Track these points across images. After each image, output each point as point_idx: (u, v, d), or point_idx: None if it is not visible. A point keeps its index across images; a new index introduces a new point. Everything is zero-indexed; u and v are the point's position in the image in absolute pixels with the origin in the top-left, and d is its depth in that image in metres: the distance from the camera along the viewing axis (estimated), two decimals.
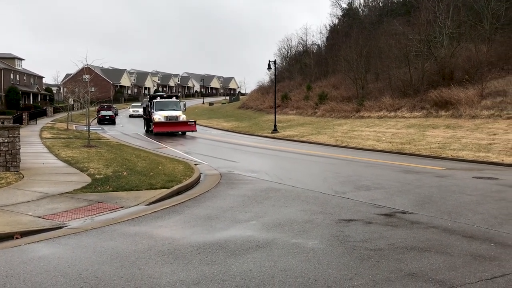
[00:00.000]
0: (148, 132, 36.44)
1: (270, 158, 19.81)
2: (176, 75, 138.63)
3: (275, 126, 37.09)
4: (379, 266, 5.67)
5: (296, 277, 5.27)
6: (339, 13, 67.28)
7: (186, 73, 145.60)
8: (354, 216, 8.42)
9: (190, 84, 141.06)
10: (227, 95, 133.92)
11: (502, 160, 17.54)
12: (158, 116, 33.84)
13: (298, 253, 6.16)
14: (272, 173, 14.31)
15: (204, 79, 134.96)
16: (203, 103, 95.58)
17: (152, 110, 34.98)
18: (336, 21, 68.09)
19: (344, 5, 66.56)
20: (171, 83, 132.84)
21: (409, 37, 38.10)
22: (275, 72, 42.18)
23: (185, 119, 34.71)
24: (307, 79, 58.50)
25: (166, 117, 33.75)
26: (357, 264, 5.76)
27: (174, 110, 34.95)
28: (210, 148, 24.60)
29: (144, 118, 40.66)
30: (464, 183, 12.32)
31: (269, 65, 38.54)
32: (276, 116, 39.07)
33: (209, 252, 6.19)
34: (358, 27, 52.48)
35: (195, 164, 15.90)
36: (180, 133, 34.58)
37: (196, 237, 7.01)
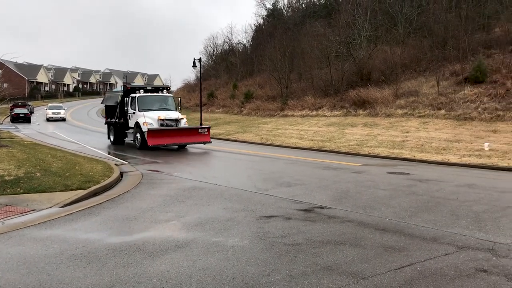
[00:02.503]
0: (120, 143, 24.00)
1: (195, 157, 19.63)
2: (97, 72, 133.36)
3: (201, 124, 36.81)
4: (296, 261, 5.79)
5: (214, 276, 5.24)
6: (264, 13, 68.17)
7: (108, 69, 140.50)
8: (275, 213, 8.55)
9: (112, 81, 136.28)
10: None
11: (414, 156, 18.65)
12: (149, 119, 21.09)
13: (217, 252, 6.13)
14: (196, 172, 14.18)
15: (128, 76, 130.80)
16: None
17: (134, 110, 22.13)
18: (261, 21, 68.87)
19: (269, 5, 67.52)
20: (92, 80, 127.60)
21: (330, 39, 39.44)
22: (200, 70, 41.83)
23: (186, 124, 22.69)
24: (233, 78, 58.67)
25: (162, 120, 21.24)
26: (275, 259, 5.84)
27: (168, 109, 22.56)
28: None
29: (111, 123, 25.04)
30: (379, 178, 12.95)
31: (194, 62, 38.16)
32: (203, 115, 38.79)
33: (126, 254, 5.99)
34: (282, 27, 53.45)
35: (116, 164, 15.36)
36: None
37: (112, 239, 6.76)
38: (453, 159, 17.53)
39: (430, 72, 32.38)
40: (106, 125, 26.22)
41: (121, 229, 7.38)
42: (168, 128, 20.91)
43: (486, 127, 22.07)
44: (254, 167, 15.90)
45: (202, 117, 38.42)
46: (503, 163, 15.66)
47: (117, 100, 24.10)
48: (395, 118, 27.89)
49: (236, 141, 28.53)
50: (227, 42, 73.46)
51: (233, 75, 60.13)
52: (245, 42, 70.85)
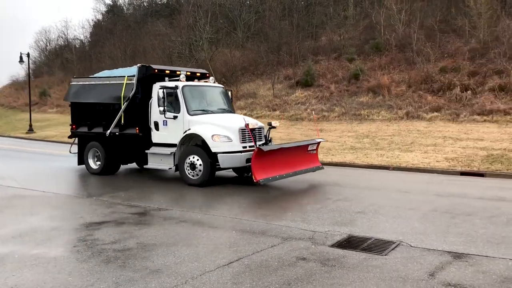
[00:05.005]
0: (113, 171, 13.54)
1: (22, 162, 17.77)
2: None
3: (30, 125, 33.54)
4: (125, 267, 5.58)
5: None
6: (103, 9, 64.98)
7: None
8: (107, 218, 8.15)
9: None
10: None
11: None
12: (221, 129, 11.16)
13: (36, 265, 5.60)
14: (21, 178, 12.80)
15: None
16: None
17: (175, 112, 11.68)
18: (100, 16, 65.55)
19: (108, 1, 64.58)
20: None
21: (172, 39, 39.32)
22: (28, 66, 38.11)
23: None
24: (69, 75, 54.70)
25: (246, 131, 11.27)
26: (102, 267, 5.55)
27: (229, 111, 12.86)
28: None
29: (93, 135, 13.43)
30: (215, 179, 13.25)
31: (21, 57, 34.60)
32: (33, 115, 35.45)
33: None
34: (123, 25, 51.64)
35: None
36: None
37: None
38: None
39: (266, 75, 34.35)
40: (76, 140, 14.30)
41: None
42: (276, 148, 10.91)
43: (314, 126, 24.19)
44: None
45: (32, 117, 35.05)
46: (327, 159, 17.33)
47: (118, 92, 12.41)
48: None
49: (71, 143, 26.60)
50: (62, 37, 68.26)
51: (69, 73, 55.97)
52: (82, 38, 66.67)
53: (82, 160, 13.76)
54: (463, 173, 13.41)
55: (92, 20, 68.96)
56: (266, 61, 35.76)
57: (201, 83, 12.96)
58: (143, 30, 47.61)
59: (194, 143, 11.55)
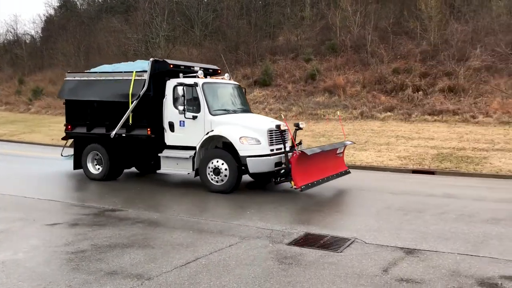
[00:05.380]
0: (116, 175, 12.23)
1: None
2: None
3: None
4: (78, 269, 5.43)
5: None
6: (56, 3, 62.84)
7: None
8: (60, 220, 7.89)
9: None
10: None
11: None
12: (249, 131, 10.27)
13: None
14: None
15: None
16: None
17: (194, 112, 10.64)
18: (52, 11, 63.32)
19: None
20: None
21: (128, 36, 38.54)
22: None
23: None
24: (19, 72, 52.60)
25: (274, 132, 10.43)
26: (54, 271, 5.38)
27: (246, 110, 11.99)
28: None
29: (94, 137, 12.06)
30: (173, 178, 13.09)
31: None
32: None
33: None
34: (76, 20, 50.06)
35: None
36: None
37: None
38: None
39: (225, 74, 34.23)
40: (68, 143, 13.29)
41: None
42: (318, 151, 10.14)
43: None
44: (41, 170, 14.41)
45: None
46: None
47: (124, 89, 11.20)
48: None
49: (22, 142, 25.65)
50: (11, 32, 65.51)
51: (18, 69, 53.87)
52: (33, 33, 64.22)
53: (79, 164, 12.27)
54: (414, 171, 13.87)
55: (44, 15, 66.64)
56: (224, 60, 35.61)
57: (220, 80, 11.92)
58: (97, 26, 46.38)
59: (213, 145, 10.68)
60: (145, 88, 10.92)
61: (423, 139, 18.01)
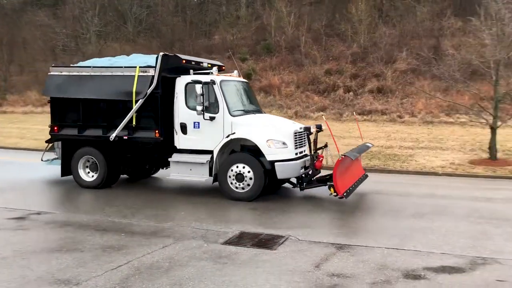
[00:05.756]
0: (111, 182, 10.87)
1: None
2: None
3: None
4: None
5: None
6: None
7: None
8: None
9: None
10: None
11: None
12: (276, 134, 9.47)
13: None
14: None
15: None
16: None
17: (211, 113, 9.56)
18: None
19: None
20: None
21: (56, 31, 36.81)
22: None
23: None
24: None
25: (297, 135, 9.83)
26: None
27: (259, 110, 11.11)
28: None
29: (88, 140, 10.61)
30: None
31: None
32: None
33: None
34: None
35: None
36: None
37: None
38: None
39: None
40: (49, 147, 11.69)
41: None
42: (357, 155, 9.95)
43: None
44: None
45: None
46: None
47: (126, 87, 9.99)
48: None
49: None
50: None
51: None
52: None
53: (67, 170, 10.77)
54: None
55: None
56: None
57: (235, 77, 10.81)
58: (22, 20, 43.84)
59: (229, 149, 9.76)
60: (153, 86, 9.69)
61: (354, 138, 18.66)
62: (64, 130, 10.72)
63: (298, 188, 9.62)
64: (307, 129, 9.91)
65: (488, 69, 14.55)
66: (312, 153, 9.65)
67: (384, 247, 6.39)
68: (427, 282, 5.20)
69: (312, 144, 9.84)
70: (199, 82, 9.38)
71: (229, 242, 6.60)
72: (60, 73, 10.81)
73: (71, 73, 10.69)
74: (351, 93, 24.76)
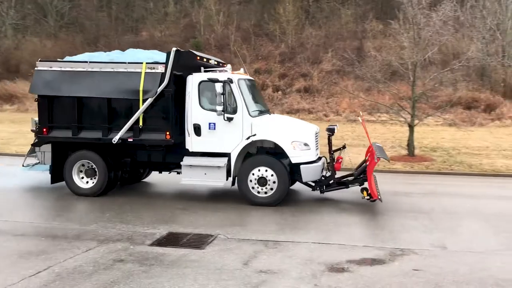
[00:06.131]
0: (110, 187, 9.80)
1: None
2: None
3: None
4: None
5: None
6: None
7: None
8: None
9: None
10: None
11: None
12: (301, 135, 9.13)
13: None
14: None
15: None
16: None
17: (229, 113, 8.94)
18: None
19: None
20: None
21: None
22: None
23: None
24: None
25: (317, 135, 9.67)
26: None
27: (268, 110, 10.49)
28: None
29: (85, 142, 9.53)
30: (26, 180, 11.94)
31: None
32: None
33: None
34: None
35: None
36: None
37: None
38: None
39: None
40: (31, 150, 10.54)
41: None
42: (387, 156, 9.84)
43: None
44: None
45: None
46: None
47: (131, 84, 9.13)
48: None
49: None
50: None
51: None
52: None
53: (58, 176, 9.71)
54: None
55: None
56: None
57: (246, 75, 10.13)
58: None
59: (245, 151, 9.17)
60: (164, 84, 8.89)
61: None
62: (55, 132, 9.54)
63: (318, 191, 9.33)
64: (331, 130, 9.52)
65: (406, 70, 15.42)
66: (330, 154, 9.43)
67: (310, 242, 6.57)
68: (350, 275, 5.41)
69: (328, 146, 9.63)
70: (216, 80, 8.75)
71: (156, 243, 6.47)
72: (49, 69, 9.58)
73: (64, 69, 9.50)
74: (279, 92, 25.22)
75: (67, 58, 10.27)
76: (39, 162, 10.30)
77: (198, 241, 6.58)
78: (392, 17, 19.67)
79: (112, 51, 11.11)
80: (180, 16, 35.85)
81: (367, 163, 9.04)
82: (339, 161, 9.50)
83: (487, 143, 17.75)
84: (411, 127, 15.00)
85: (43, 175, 10.25)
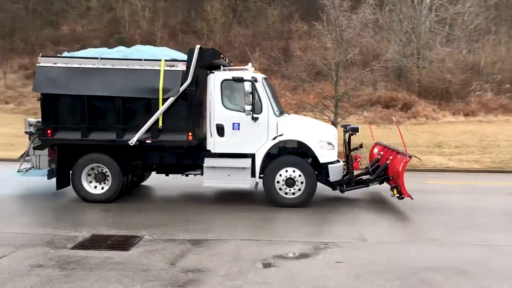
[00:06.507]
0: (123, 192, 9.22)
1: None
2: None
3: None
4: None
5: None
6: None
7: None
8: None
9: None
10: None
11: None
12: (327, 136, 9.05)
13: None
14: None
15: None
16: None
17: (257, 113, 8.67)
18: None
19: None
20: None
21: None
22: None
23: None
24: None
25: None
26: None
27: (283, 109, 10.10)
28: None
29: (97, 145, 8.88)
30: None
31: None
32: None
33: None
34: None
35: None
36: None
37: None
38: None
39: None
40: (26, 154, 9.57)
41: None
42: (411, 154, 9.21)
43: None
44: None
45: None
46: None
47: (149, 83, 8.49)
48: None
49: None
50: None
51: None
52: None
53: (64, 181, 9.01)
54: None
55: None
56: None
57: (261, 74, 9.63)
58: None
59: (270, 151, 8.86)
60: (187, 82, 8.45)
61: None
62: (61, 133, 8.76)
63: (338, 191, 9.21)
64: (354, 130, 9.48)
65: (330, 70, 15.96)
66: (348, 153, 9.38)
67: (238, 239, 6.63)
68: (277, 269, 5.54)
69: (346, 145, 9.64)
70: (242, 79, 8.52)
71: (78, 247, 6.23)
72: (54, 65, 8.70)
73: (71, 65, 8.66)
74: None
75: (65, 54, 9.32)
76: (33, 167, 9.52)
77: (123, 243, 6.42)
78: (316, 19, 20.25)
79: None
80: (103, 10, 34.58)
81: (388, 162, 9.08)
82: (358, 160, 9.53)
83: (404, 140, 18.76)
84: (334, 125, 15.56)
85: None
